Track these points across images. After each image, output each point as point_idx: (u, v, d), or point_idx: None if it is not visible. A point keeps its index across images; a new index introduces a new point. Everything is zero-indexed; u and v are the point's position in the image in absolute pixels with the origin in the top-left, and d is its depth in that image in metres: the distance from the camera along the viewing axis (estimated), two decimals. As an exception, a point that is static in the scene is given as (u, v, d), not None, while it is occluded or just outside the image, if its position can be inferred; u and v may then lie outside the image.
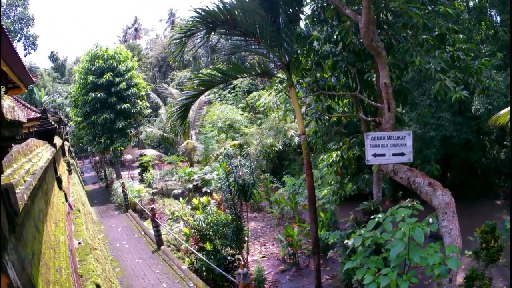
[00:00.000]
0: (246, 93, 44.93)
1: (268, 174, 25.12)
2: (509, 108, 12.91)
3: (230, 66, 12.52)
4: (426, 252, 5.24)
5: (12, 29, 53.70)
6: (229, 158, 13.90)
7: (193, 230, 15.65)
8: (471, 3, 25.12)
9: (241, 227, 13.85)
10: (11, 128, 3.43)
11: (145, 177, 30.47)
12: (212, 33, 11.85)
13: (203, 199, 18.88)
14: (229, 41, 13.78)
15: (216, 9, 10.59)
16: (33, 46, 61.32)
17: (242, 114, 37.86)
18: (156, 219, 16.92)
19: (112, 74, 31.67)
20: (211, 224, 14.63)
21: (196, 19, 11.14)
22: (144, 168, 32.95)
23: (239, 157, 15.35)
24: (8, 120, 3.20)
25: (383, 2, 10.44)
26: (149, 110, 36.32)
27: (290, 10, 11.59)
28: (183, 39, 11.87)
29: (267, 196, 22.92)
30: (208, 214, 15.26)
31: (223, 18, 10.86)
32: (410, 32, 10.82)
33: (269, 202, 22.72)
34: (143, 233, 20.17)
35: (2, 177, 3.53)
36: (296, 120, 28.00)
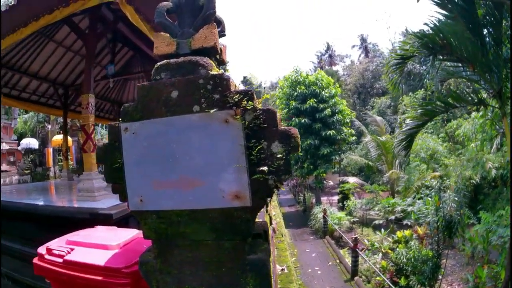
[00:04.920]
0: (445, 122, 42.83)
1: (467, 209, 23.51)
2: None
3: (450, 94, 11.74)
4: None
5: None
6: (440, 192, 13.51)
7: (390, 264, 15.18)
8: None
9: (439, 264, 13.23)
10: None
11: (346, 205, 29.77)
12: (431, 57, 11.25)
13: (407, 232, 18.04)
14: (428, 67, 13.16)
15: (434, 34, 10.08)
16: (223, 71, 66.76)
17: (442, 144, 35.94)
18: (357, 249, 16.34)
19: (315, 100, 31.36)
20: (412, 260, 14.10)
21: (418, 44, 10.55)
22: (344, 196, 32.16)
23: (448, 191, 14.76)
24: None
25: None
26: (354, 137, 35.71)
27: (492, 31, 10.64)
28: (403, 65, 11.47)
29: (462, 233, 21.37)
30: (410, 248, 14.77)
31: (441, 43, 10.23)
32: None
33: (462, 238, 21.15)
34: (338, 261, 19.67)
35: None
36: (492, 151, 26.07)
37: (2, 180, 23.26)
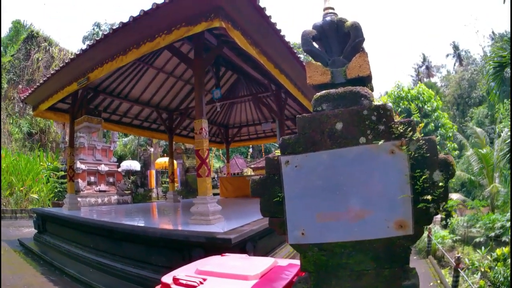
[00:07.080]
0: (537, 128, 40.93)
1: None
2: None
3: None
4: None
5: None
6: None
7: (488, 283, 14.48)
8: None
9: (531, 284, 12.62)
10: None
11: (449, 222, 29.04)
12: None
13: (506, 249, 17.45)
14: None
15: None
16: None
17: (535, 151, 34.41)
18: (459, 269, 15.86)
19: (419, 115, 30.80)
20: (509, 279, 13.19)
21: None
22: (447, 213, 31.34)
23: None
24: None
25: None
26: (456, 152, 34.79)
27: None
28: (501, 72, 11.32)
29: (551, 249, 20.32)
30: (508, 267, 13.94)
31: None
32: None
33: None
34: (439, 281, 18.98)
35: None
36: None
37: (100, 200, 25.02)
